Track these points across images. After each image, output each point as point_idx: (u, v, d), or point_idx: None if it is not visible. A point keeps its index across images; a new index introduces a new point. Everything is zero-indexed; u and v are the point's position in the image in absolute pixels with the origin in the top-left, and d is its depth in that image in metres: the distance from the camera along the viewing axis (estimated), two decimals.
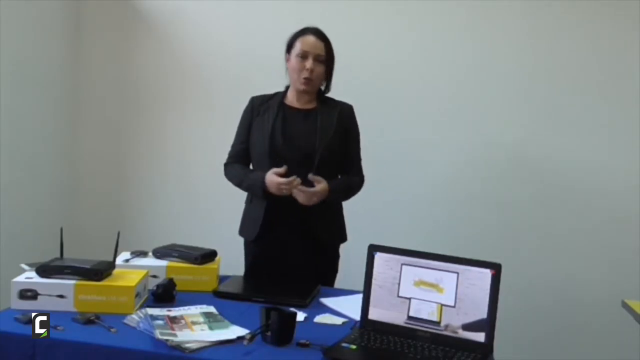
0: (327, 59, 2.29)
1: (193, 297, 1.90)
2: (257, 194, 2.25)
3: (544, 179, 2.99)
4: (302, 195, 2.16)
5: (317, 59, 2.26)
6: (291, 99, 2.35)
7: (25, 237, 3.00)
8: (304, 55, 2.26)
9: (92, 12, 3.35)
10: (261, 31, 3.13)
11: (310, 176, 2.18)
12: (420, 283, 1.69)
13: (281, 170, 2.16)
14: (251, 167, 2.39)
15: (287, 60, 2.34)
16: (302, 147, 2.25)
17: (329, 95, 2.40)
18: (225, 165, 2.41)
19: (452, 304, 1.65)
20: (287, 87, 2.38)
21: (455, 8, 2.99)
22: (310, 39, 2.28)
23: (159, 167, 3.35)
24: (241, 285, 2.17)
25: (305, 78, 2.26)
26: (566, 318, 2.98)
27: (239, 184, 2.33)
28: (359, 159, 2.40)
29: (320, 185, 2.18)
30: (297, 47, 2.28)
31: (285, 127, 2.28)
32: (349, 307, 1.91)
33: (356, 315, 1.78)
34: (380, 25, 3.07)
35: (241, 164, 2.37)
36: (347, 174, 2.37)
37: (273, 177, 2.16)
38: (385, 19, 3.06)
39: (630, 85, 2.87)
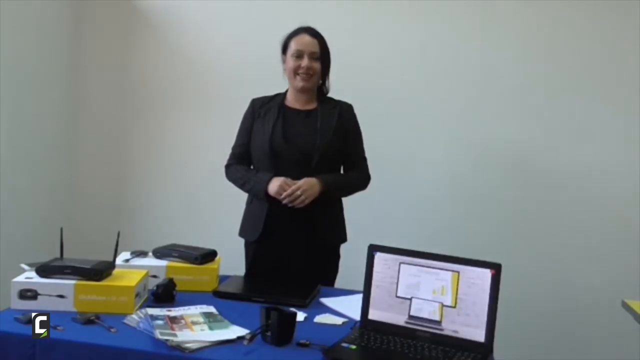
0: (322, 56, 2.30)
1: (193, 297, 1.90)
2: (259, 195, 2.25)
3: (544, 180, 2.99)
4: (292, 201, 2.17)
5: (312, 56, 2.28)
6: (291, 100, 2.36)
7: (25, 237, 2.99)
8: (299, 55, 2.27)
9: (92, 12, 3.35)
10: (261, 31, 3.13)
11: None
12: (420, 283, 1.69)
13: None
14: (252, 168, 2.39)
15: (284, 61, 2.35)
16: (302, 147, 2.25)
17: (329, 95, 2.40)
18: (227, 167, 2.41)
19: (452, 304, 1.65)
20: (288, 89, 2.38)
21: (456, 8, 2.99)
22: (304, 37, 2.30)
23: (159, 167, 3.35)
24: (241, 285, 2.17)
25: (302, 74, 2.26)
26: (566, 318, 2.98)
27: (242, 185, 2.33)
28: (362, 157, 2.40)
29: (299, 182, 2.18)
30: (292, 47, 2.29)
31: (286, 128, 2.28)
32: (349, 307, 1.92)
33: (356, 315, 1.78)
34: (381, 26, 3.07)
35: (242, 165, 2.37)
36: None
37: (280, 178, 2.17)
38: (386, 19, 3.06)
39: (631, 86, 2.87)
